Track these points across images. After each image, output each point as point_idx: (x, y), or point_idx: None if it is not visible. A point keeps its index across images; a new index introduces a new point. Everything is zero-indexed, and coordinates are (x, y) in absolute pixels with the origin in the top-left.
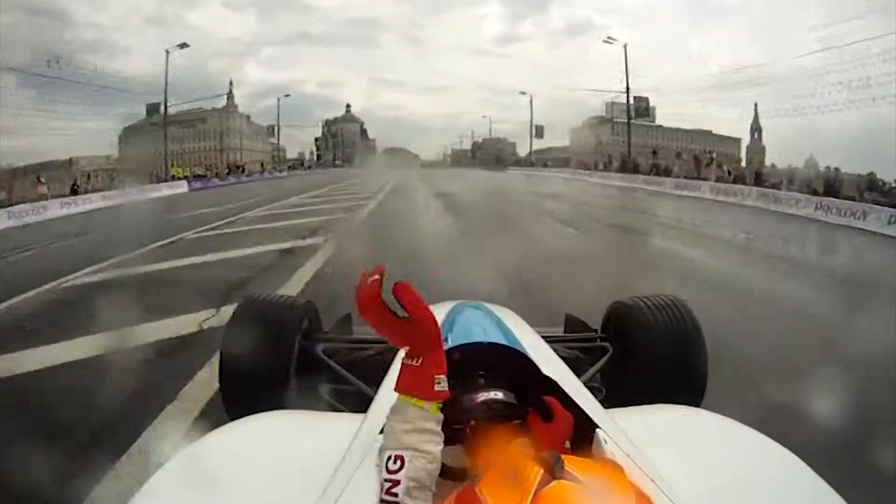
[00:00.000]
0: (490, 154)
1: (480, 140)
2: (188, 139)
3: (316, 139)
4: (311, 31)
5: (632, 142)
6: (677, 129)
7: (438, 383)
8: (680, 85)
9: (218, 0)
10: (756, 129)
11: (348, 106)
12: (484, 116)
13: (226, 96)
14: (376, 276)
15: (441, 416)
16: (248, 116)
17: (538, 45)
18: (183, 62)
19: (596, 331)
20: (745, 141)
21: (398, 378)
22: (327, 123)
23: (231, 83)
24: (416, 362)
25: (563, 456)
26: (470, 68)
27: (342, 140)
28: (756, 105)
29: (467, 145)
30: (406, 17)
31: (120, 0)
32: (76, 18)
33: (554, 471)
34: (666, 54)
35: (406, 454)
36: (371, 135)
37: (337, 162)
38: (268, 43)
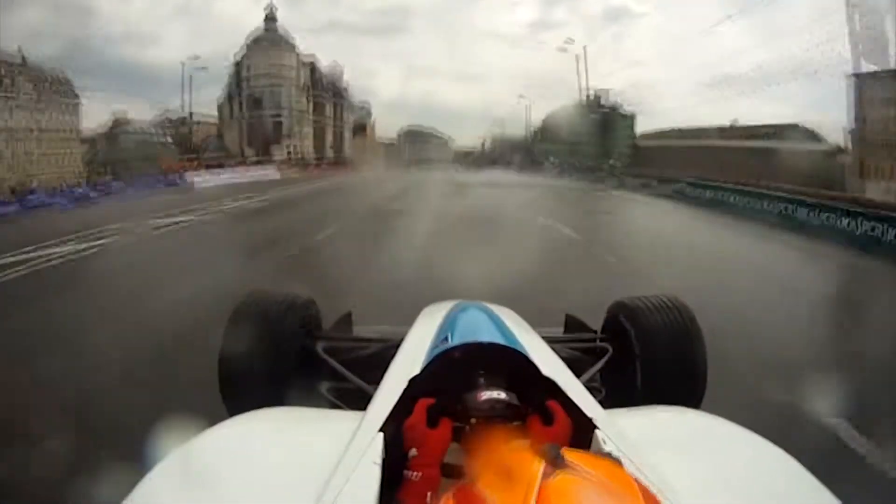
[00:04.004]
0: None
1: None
2: None
3: (218, 105)
4: (343, 20)
5: None
6: None
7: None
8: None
9: None
10: None
11: (270, 8)
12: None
13: None
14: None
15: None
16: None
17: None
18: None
19: (596, 332)
20: None
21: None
22: (237, 66)
23: None
24: (416, 477)
25: (562, 449)
26: (508, 56)
27: (255, 94)
28: None
29: (516, 129)
30: (438, 4)
31: None
32: (102, 8)
33: (556, 463)
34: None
35: None
36: (403, 122)
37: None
38: (297, 31)
